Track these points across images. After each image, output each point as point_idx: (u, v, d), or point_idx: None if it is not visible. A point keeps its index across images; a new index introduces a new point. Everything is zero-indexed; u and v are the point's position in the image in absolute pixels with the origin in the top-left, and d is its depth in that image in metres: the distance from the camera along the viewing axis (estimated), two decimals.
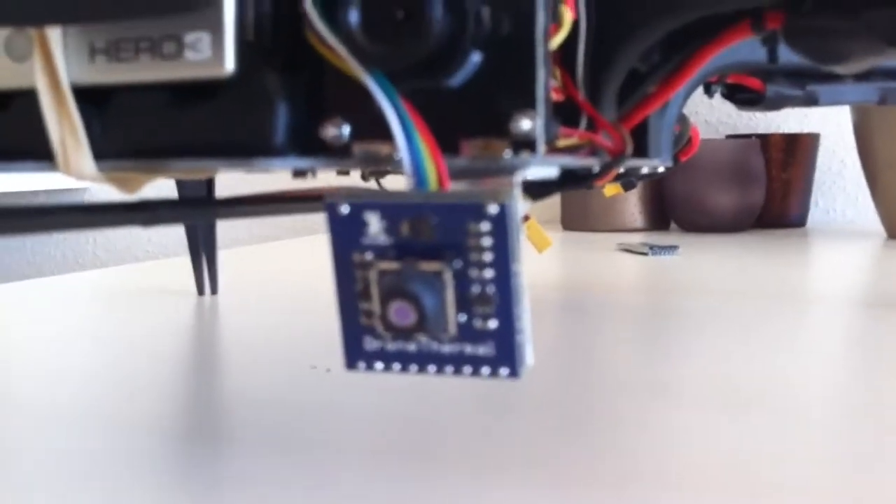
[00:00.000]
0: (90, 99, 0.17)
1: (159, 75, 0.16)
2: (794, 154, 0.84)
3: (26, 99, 0.17)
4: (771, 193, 0.85)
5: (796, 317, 0.38)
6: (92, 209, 0.17)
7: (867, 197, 0.90)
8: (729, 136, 0.89)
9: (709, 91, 0.33)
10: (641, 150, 0.23)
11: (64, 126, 0.17)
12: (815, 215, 0.95)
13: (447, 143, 0.16)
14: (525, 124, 0.15)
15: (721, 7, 0.19)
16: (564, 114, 0.20)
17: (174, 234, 1.16)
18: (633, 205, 0.84)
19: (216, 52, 0.16)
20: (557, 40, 0.17)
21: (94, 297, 0.47)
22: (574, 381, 0.27)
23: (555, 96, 0.19)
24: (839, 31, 0.18)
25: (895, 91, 0.35)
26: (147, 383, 0.26)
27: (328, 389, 0.25)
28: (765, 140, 0.84)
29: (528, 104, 0.15)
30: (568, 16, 0.17)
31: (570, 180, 0.22)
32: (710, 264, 0.60)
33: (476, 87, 0.15)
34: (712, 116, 0.99)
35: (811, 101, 0.33)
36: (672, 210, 0.83)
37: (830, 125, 0.94)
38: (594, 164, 0.19)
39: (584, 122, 0.20)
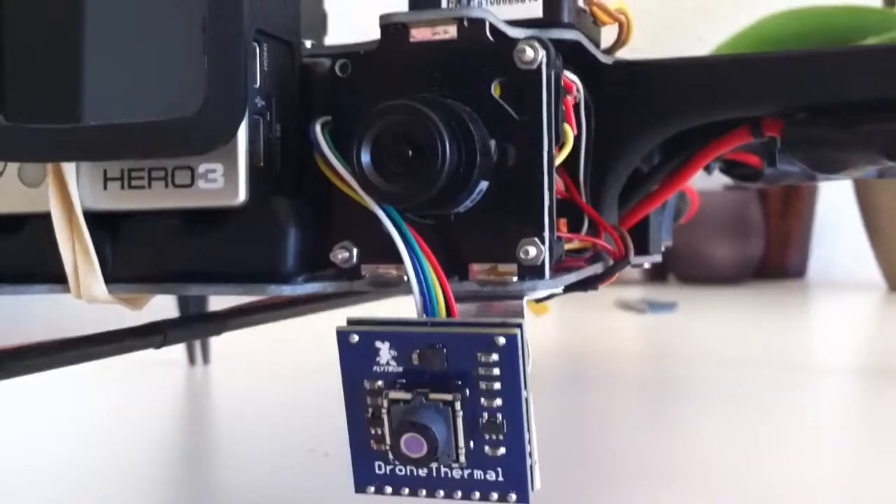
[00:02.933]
0: (102, 224, 0.17)
1: (171, 203, 0.16)
2: (793, 204, 0.85)
3: (39, 223, 0.17)
4: (770, 244, 0.85)
5: (797, 390, 0.38)
6: (109, 337, 0.17)
7: (868, 247, 0.90)
8: (727, 187, 0.89)
9: (707, 168, 0.33)
10: (642, 248, 0.23)
11: (77, 251, 0.17)
12: (815, 266, 0.95)
13: (456, 268, 0.16)
14: (532, 251, 0.16)
15: (722, 116, 0.20)
16: (567, 215, 0.20)
17: (163, 301, 1.16)
18: None
19: (229, 183, 0.16)
20: (561, 157, 0.17)
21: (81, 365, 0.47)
22: (577, 469, 0.27)
23: (558, 197, 0.20)
24: (835, 143, 0.19)
25: (893, 167, 0.36)
26: (138, 471, 0.26)
27: (327, 475, 0.25)
28: (763, 190, 0.85)
29: (534, 232, 0.16)
30: (570, 134, 0.18)
31: (574, 284, 0.23)
32: (709, 324, 0.61)
33: (483, 213, 0.16)
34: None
35: (809, 177, 0.34)
36: (670, 262, 0.84)
37: None
38: (597, 270, 0.20)
39: (586, 225, 0.20)
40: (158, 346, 0.17)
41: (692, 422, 0.33)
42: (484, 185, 0.16)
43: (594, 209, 0.20)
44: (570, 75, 0.19)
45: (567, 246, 0.19)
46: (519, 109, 0.16)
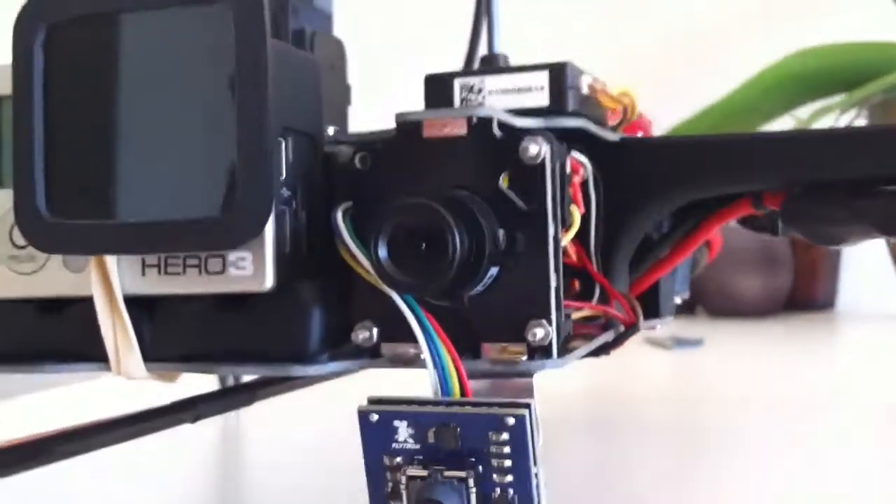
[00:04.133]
0: (141, 307, 0.18)
1: (204, 289, 0.18)
2: None
3: (82, 306, 0.18)
4: (798, 276, 0.85)
5: (827, 435, 0.38)
6: (143, 417, 0.18)
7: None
8: None
9: None
10: (653, 311, 0.24)
11: (117, 332, 0.18)
12: (844, 297, 0.94)
13: (468, 347, 0.17)
14: (540, 332, 0.16)
15: (721, 191, 0.21)
16: (580, 283, 0.21)
17: None
18: None
19: (257, 270, 0.17)
20: (567, 238, 0.18)
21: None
22: None
23: (571, 266, 0.21)
24: (832, 218, 0.19)
25: None
26: None
27: None
28: None
29: (542, 314, 0.17)
30: (577, 214, 0.19)
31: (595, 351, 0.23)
32: (736, 360, 0.61)
33: (494, 296, 0.17)
34: None
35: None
36: (699, 296, 0.84)
37: None
38: (605, 340, 0.21)
39: (597, 293, 0.21)
40: (193, 421, 0.18)
41: (718, 472, 0.33)
42: (494, 270, 0.17)
43: (605, 277, 0.21)
44: (577, 156, 0.20)
45: (579, 314, 0.20)
46: (526, 200, 0.17)
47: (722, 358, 0.62)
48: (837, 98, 0.73)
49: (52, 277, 0.19)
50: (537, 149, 0.16)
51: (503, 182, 0.17)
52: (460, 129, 0.17)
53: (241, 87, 0.16)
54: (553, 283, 0.17)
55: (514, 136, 0.17)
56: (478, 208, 0.16)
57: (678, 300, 0.29)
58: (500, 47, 0.33)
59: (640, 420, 0.43)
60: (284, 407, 0.38)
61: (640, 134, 0.26)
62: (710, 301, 0.84)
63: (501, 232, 0.17)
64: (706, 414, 0.44)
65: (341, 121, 0.25)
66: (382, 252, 0.16)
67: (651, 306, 0.24)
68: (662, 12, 0.98)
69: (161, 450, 0.37)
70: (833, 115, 0.74)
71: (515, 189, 0.17)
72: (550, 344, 0.17)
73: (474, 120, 0.17)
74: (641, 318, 0.21)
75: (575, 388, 0.52)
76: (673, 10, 0.98)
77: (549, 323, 0.17)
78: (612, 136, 0.21)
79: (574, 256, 0.21)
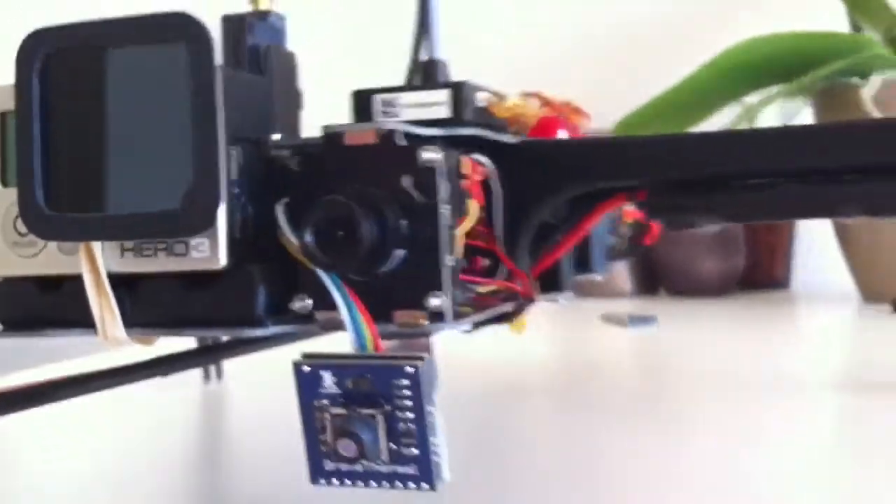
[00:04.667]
0: (121, 283, 0.22)
1: (171, 268, 0.22)
2: None
3: (74, 282, 0.23)
4: (756, 256, 0.90)
5: (769, 409, 0.41)
6: (121, 371, 0.22)
7: None
8: None
9: None
10: (556, 286, 0.28)
11: (102, 304, 0.22)
12: (801, 276, 0.99)
13: (382, 314, 0.21)
14: (435, 301, 0.21)
15: (600, 186, 0.25)
16: (489, 261, 0.25)
17: None
18: (622, 271, 0.90)
19: (213, 253, 0.21)
20: (465, 228, 0.23)
21: None
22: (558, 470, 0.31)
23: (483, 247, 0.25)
24: (688, 208, 0.24)
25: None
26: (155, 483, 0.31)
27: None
28: None
29: (437, 287, 0.21)
30: (474, 206, 0.23)
31: (491, 320, 0.28)
32: (688, 335, 0.65)
33: (402, 273, 0.21)
34: None
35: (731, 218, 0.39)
36: (660, 275, 0.89)
37: None
38: (504, 310, 0.25)
39: (502, 271, 0.26)
40: (164, 375, 0.23)
41: (656, 431, 0.37)
42: (401, 252, 0.21)
43: (510, 258, 0.26)
44: (478, 157, 0.24)
45: (485, 289, 0.25)
46: (424, 195, 0.21)
47: (674, 334, 0.67)
48: (783, 86, 0.77)
49: (49, 259, 0.23)
50: (430, 155, 0.21)
51: (407, 181, 0.21)
52: (372, 139, 0.21)
53: (195, 109, 0.20)
54: (446, 263, 0.21)
55: (414, 144, 0.21)
56: (385, 203, 0.21)
57: (597, 278, 0.34)
58: (444, 52, 0.37)
59: (593, 387, 0.47)
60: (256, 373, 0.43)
61: (562, 132, 0.31)
62: (671, 281, 0.89)
63: (405, 222, 0.21)
64: (654, 383, 0.48)
65: (294, 124, 0.30)
66: (309, 238, 0.20)
67: (553, 283, 0.28)
68: (618, 4, 1.02)
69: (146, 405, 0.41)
70: (780, 101, 0.79)
71: (416, 187, 0.21)
72: (444, 311, 0.21)
73: (382, 131, 0.21)
74: (538, 292, 0.26)
75: (536, 358, 0.57)
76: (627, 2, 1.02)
77: (444, 294, 0.21)
78: (511, 140, 0.25)
79: (483, 241, 0.25)
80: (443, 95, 0.23)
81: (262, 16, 0.29)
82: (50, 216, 0.21)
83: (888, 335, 0.64)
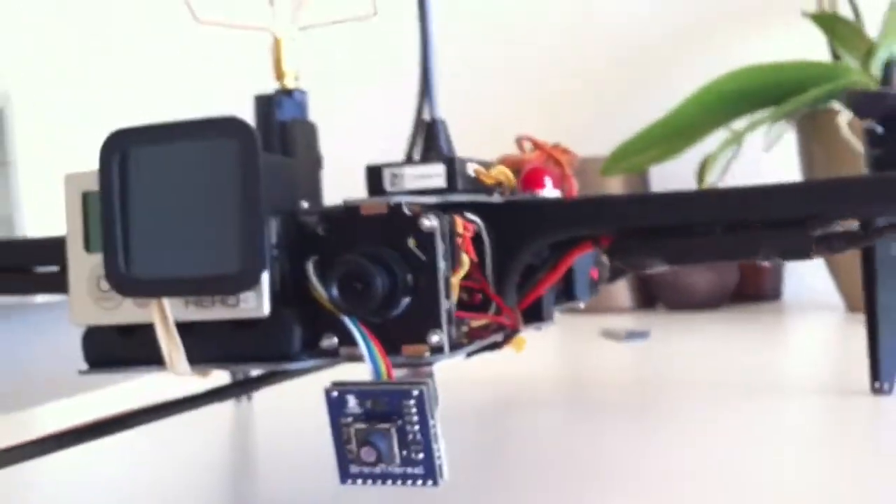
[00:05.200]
0: (185, 328, 0.28)
1: (225, 316, 0.27)
2: None
3: (147, 328, 0.28)
4: (746, 268, 0.95)
5: (756, 409, 0.44)
6: (182, 401, 0.28)
7: None
8: None
9: None
10: (538, 317, 0.34)
11: (170, 345, 0.28)
12: (791, 287, 1.04)
13: (393, 348, 0.27)
14: (435, 338, 0.26)
15: (571, 235, 0.30)
16: (482, 301, 0.31)
17: None
18: (620, 286, 0.95)
19: (258, 304, 0.27)
20: (458, 277, 0.28)
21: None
22: (559, 471, 0.37)
23: (476, 289, 0.31)
24: (640, 252, 0.29)
25: None
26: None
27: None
28: None
29: (436, 326, 0.27)
30: (466, 259, 0.29)
31: (486, 347, 0.33)
32: (679, 349, 0.70)
33: (408, 315, 0.27)
34: None
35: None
36: (657, 291, 0.94)
37: None
38: (494, 340, 0.31)
39: (493, 307, 0.31)
40: (220, 401, 0.28)
41: (650, 435, 0.42)
42: (406, 300, 0.27)
43: (498, 296, 0.31)
44: (470, 216, 0.30)
45: (478, 323, 0.30)
46: (425, 254, 0.27)
47: (667, 346, 0.72)
48: (768, 111, 0.83)
49: (127, 311, 0.29)
50: (430, 222, 0.26)
51: (412, 243, 0.27)
52: (383, 210, 0.27)
53: (244, 192, 0.26)
54: (443, 307, 0.27)
55: (416, 213, 0.27)
56: (393, 261, 0.26)
57: (581, 305, 0.39)
58: (442, 102, 0.42)
59: (590, 394, 0.52)
60: (287, 398, 0.48)
61: (547, 178, 0.36)
62: (667, 296, 0.94)
63: (410, 276, 0.26)
64: (647, 393, 0.53)
65: (316, 187, 0.35)
66: (333, 291, 0.26)
67: (536, 314, 0.34)
68: (608, 32, 1.08)
69: (187, 432, 0.47)
70: (765, 126, 0.84)
71: (419, 247, 0.27)
72: (443, 345, 0.26)
73: (392, 204, 0.27)
74: (520, 323, 0.31)
75: (534, 372, 0.62)
76: (618, 31, 1.08)
77: (441, 331, 0.27)
78: (496, 200, 0.31)
79: (476, 283, 0.31)
80: (439, 169, 0.29)
81: (289, 93, 0.35)
82: (128, 277, 0.27)
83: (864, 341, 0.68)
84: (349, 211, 0.27)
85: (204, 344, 0.28)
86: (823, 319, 0.82)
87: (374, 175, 0.29)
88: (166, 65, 1.32)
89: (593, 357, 0.70)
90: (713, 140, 0.84)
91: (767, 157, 0.84)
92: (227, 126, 0.26)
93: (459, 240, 0.28)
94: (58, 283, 0.37)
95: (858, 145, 0.73)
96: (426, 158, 0.33)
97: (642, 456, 0.37)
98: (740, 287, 0.94)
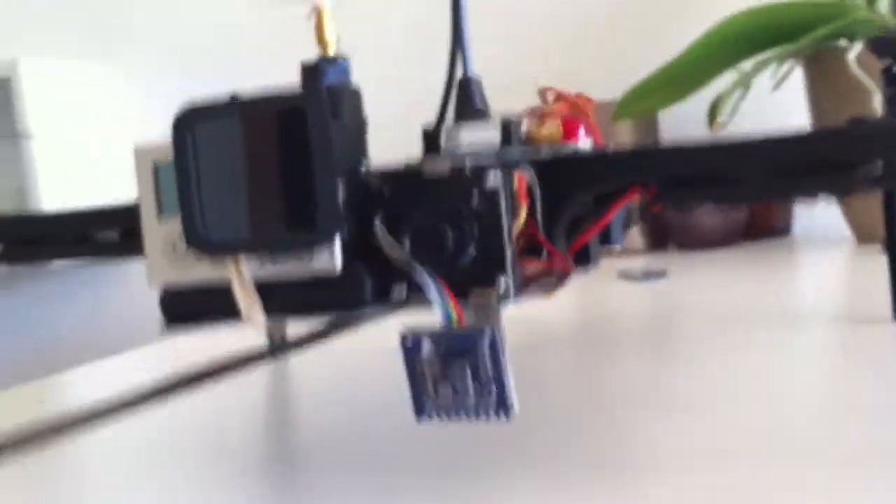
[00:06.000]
0: (262, 285, 0.30)
1: (301, 273, 0.29)
2: None
3: (222, 285, 0.30)
4: (757, 207, 0.97)
5: (767, 339, 0.48)
6: (243, 359, 0.30)
7: None
8: None
9: None
10: (586, 261, 0.36)
11: (247, 300, 0.30)
12: (802, 222, 1.06)
13: (462, 293, 0.29)
14: (502, 284, 0.28)
15: (613, 188, 0.32)
16: (534, 248, 0.33)
17: None
18: (635, 230, 0.97)
19: (331, 260, 0.29)
20: (518, 226, 0.30)
21: (159, 370, 0.51)
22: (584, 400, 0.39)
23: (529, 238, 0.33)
24: (687, 198, 0.31)
25: None
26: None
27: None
28: None
29: (502, 271, 0.28)
30: (523, 209, 0.30)
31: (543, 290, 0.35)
32: (697, 285, 0.73)
33: (475, 263, 0.29)
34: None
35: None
36: (668, 232, 0.96)
37: None
38: (549, 285, 0.33)
39: (545, 254, 0.33)
40: (274, 355, 0.30)
41: (671, 367, 0.45)
42: (473, 250, 0.29)
43: (550, 243, 0.33)
44: (523, 170, 0.31)
45: (532, 268, 0.32)
46: (489, 209, 0.28)
47: (684, 284, 0.75)
48: (775, 51, 0.84)
49: (204, 270, 0.30)
50: (492, 180, 0.28)
51: (476, 201, 0.29)
52: (446, 171, 0.29)
53: (317, 156, 0.28)
54: (508, 253, 0.29)
55: (479, 171, 0.28)
56: (461, 216, 0.28)
57: (617, 248, 0.41)
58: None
59: (614, 335, 0.55)
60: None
61: (581, 129, 0.38)
62: (679, 236, 0.96)
63: (476, 228, 0.28)
64: (669, 329, 0.56)
65: (364, 148, 0.37)
66: (406, 248, 0.28)
67: (584, 258, 0.36)
68: None
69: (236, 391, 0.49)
70: (772, 66, 0.85)
71: (483, 202, 0.28)
72: (509, 291, 0.28)
73: (453, 165, 0.28)
74: (573, 267, 0.33)
75: (562, 315, 0.64)
76: None
77: (508, 277, 0.28)
78: (546, 154, 0.33)
79: (530, 231, 0.33)
80: (495, 129, 0.30)
81: (332, 61, 0.37)
82: (206, 238, 0.29)
83: (878, 273, 0.71)
84: (412, 172, 0.29)
85: (279, 297, 0.30)
86: (835, 253, 0.84)
87: (431, 139, 0.31)
88: (185, 28, 1.31)
89: (614, 298, 0.72)
90: (721, 81, 0.85)
91: (776, 95, 0.85)
92: (300, 95, 0.28)
93: (516, 193, 0.30)
94: (119, 249, 0.39)
95: (868, 82, 0.74)
96: (462, 115, 0.35)
97: (659, 381, 0.40)
98: (751, 223, 0.96)
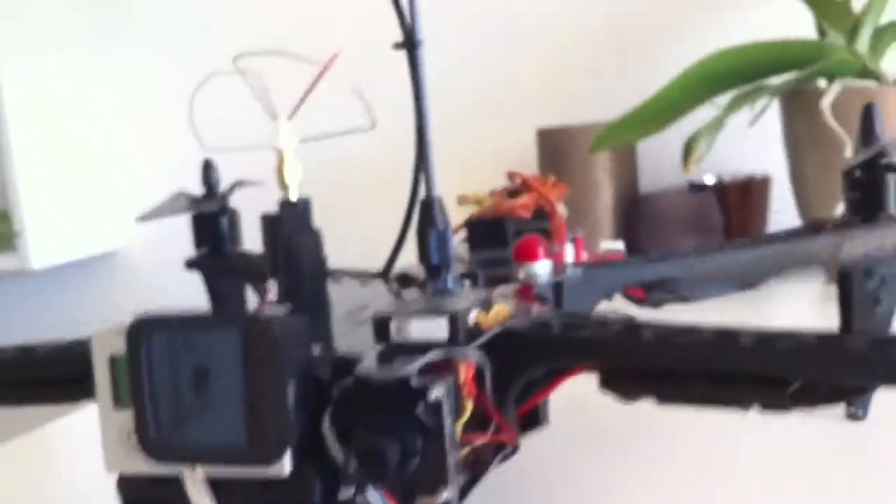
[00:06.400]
0: (217, 486, 0.31)
1: (251, 475, 0.30)
2: (749, 196, 0.97)
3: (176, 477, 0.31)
4: (730, 234, 0.97)
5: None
6: None
7: None
8: (691, 184, 1.01)
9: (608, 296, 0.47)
10: (535, 423, 0.37)
11: (199, 497, 0.31)
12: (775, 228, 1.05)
13: (408, 501, 0.30)
14: (445, 493, 0.29)
15: (569, 364, 0.33)
16: (482, 419, 0.34)
17: None
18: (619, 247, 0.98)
19: (280, 467, 0.30)
20: (462, 422, 0.31)
21: None
22: None
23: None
24: (631, 388, 0.32)
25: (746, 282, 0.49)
26: None
27: None
28: (721, 187, 0.96)
29: (444, 482, 0.29)
30: (469, 404, 0.31)
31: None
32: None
33: (420, 472, 0.30)
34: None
35: (683, 299, 0.47)
36: (645, 252, 0.96)
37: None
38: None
39: (493, 426, 0.34)
40: None
41: None
42: (416, 460, 0.29)
43: (499, 415, 0.34)
44: (472, 353, 0.32)
45: (480, 441, 0.33)
46: (432, 420, 0.29)
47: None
48: (752, 86, 0.83)
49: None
50: (437, 394, 0.29)
51: (420, 410, 0.29)
52: (392, 379, 0.29)
53: (262, 378, 0.28)
54: (451, 464, 0.29)
55: (423, 384, 0.29)
56: (403, 429, 0.29)
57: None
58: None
59: None
60: None
61: (541, 249, 0.39)
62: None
63: (420, 440, 0.29)
64: None
65: (321, 286, 0.37)
66: (353, 462, 0.29)
67: (533, 420, 0.36)
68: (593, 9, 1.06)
69: None
70: (749, 103, 0.85)
71: (427, 415, 0.29)
72: (452, 499, 0.29)
73: (398, 376, 0.29)
74: (518, 438, 0.34)
75: None
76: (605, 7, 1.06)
77: (449, 486, 0.29)
78: (494, 334, 0.33)
79: (479, 406, 0.33)
80: (443, 323, 0.31)
81: (293, 205, 0.37)
82: (161, 440, 0.30)
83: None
84: (360, 381, 0.30)
85: (233, 494, 0.31)
86: (808, 289, 0.85)
87: (381, 329, 0.32)
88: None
89: None
90: (699, 117, 0.85)
91: (752, 132, 0.85)
92: (235, 318, 0.29)
93: (463, 388, 0.31)
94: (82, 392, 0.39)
95: (840, 132, 0.74)
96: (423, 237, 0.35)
97: None
98: (726, 233, 0.96)
